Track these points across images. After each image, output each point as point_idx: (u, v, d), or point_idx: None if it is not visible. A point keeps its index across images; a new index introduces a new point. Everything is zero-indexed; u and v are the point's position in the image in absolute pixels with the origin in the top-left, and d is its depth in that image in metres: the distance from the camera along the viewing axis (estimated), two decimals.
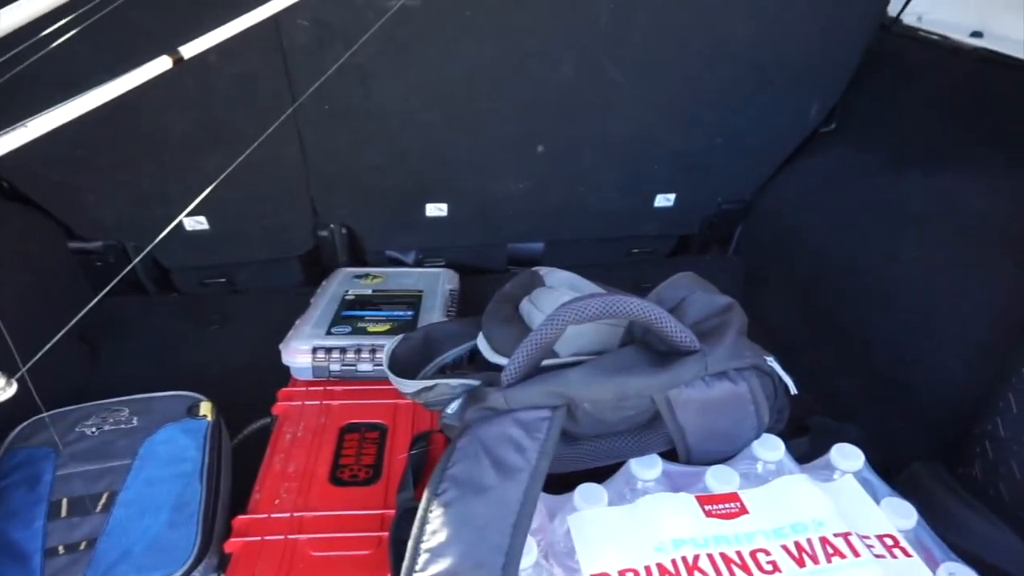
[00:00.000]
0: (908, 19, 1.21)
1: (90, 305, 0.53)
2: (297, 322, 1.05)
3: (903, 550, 0.59)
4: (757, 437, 0.70)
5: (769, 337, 0.76)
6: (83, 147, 1.04)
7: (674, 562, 0.58)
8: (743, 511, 0.63)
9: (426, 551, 0.55)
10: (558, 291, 0.81)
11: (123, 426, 0.85)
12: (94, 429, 0.85)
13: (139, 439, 0.83)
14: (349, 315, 1.07)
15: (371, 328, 1.03)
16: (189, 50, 0.46)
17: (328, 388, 0.96)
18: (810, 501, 0.63)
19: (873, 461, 0.70)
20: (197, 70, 0.99)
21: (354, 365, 0.96)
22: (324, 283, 1.19)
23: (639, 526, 0.61)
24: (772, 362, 0.69)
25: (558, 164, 1.21)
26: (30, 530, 0.73)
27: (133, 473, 0.79)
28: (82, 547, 0.71)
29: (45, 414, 0.85)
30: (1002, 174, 0.96)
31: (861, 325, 1.05)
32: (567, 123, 1.16)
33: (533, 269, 0.92)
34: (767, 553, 0.59)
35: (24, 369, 0.45)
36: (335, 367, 0.96)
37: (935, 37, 1.15)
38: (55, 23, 0.49)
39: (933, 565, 0.59)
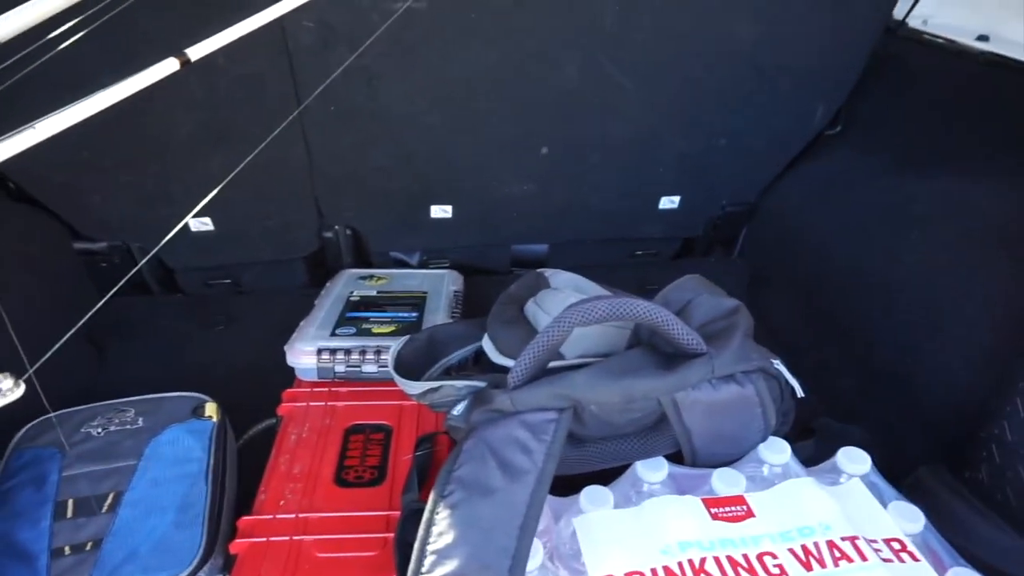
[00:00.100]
0: (914, 22, 1.20)
1: (97, 306, 0.53)
2: (302, 323, 1.05)
3: (911, 554, 0.59)
4: (763, 440, 0.69)
5: (773, 339, 0.76)
6: (89, 148, 1.04)
7: (680, 565, 0.58)
8: (749, 514, 0.63)
9: (432, 552, 0.55)
10: (563, 293, 0.81)
11: (129, 427, 0.86)
12: (100, 430, 0.85)
13: (145, 440, 0.83)
14: (354, 316, 1.07)
15: (376, 329, 1.03)
16: (196, 52, 0.46)
17: (333, 389, 0.96)
18: (817, 504, 0.63)
19: (877, 464, 0.70)
20: (203, 71, 0.99)
21: (359, 366, 0.96)
22: (328, 284, 1.19)
23: (645, 529, 0.61)
24: (779, 365, 0.69)
25: (562, 166, 1.21)
26: (36, 530, 0.73)
27: (139, 474, 0.79)
28: (88, 547, 0.72)
29: (52, 414, 0.85)
30: (1007, 177, 0.96)
31: (865, 327, 1.04)
32: (571, 125, 1.16)
33: (538, 271, 0.91)
34: (774, 556, 0.59)
35: (32, 370, 0.45)
36: (340, 368, 0.96)
37: (941, 40, 1.15)
38: (63, 25, 0.49)
39: (941, 570, 0.58)
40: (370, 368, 0.96)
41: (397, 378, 0.78)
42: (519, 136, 1.16)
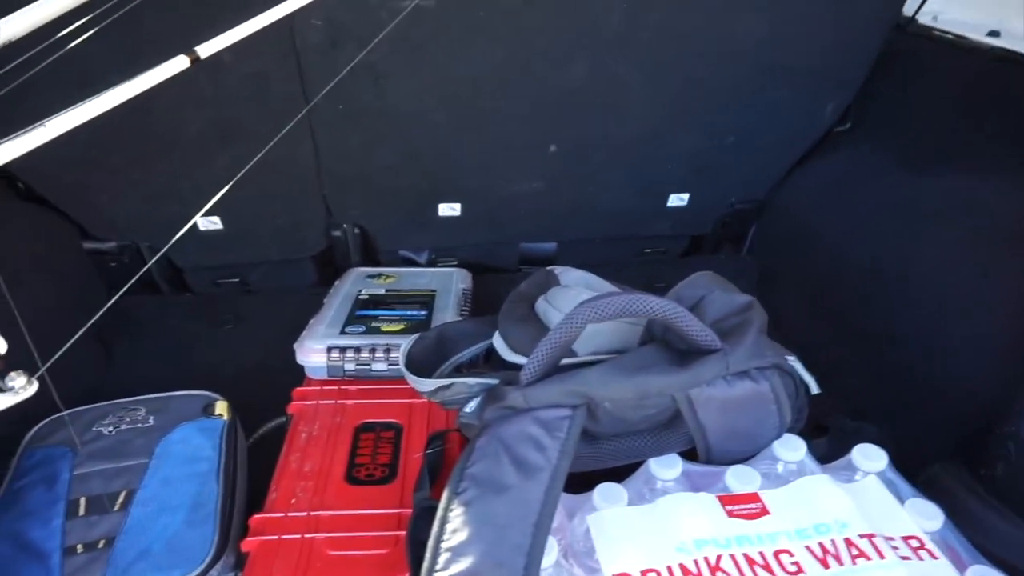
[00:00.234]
0: (923, 18, 1.20)
1: (108, 305, 0.53)
2: (311, 321, 1.05)
3: (929, 552, 0.59)
4: (778, 437, 0.69)
5: (783, 336, 0.76)
6: (97, 147, 1.04)
7: (696, 563, 0.57)
8: (765, 511, 0.62)
9: (447, 550, 0.55)
10: (574, 290, 0.81)
11: (139, 425, 0.86)
12: (111, 428, 0.85)
13: (155, 438, 0.83)
14: (363, 315, 1.07)
15: (385, 327, 1.03)
16: (205, 50, 0.46)
17: (343, 387, 0.96)
18: (833, 502, 0.63)
19: (891, 462, 0.69)
20: (210, 70, 0.99)
21: (368, 364, 0.96)
22: (337, 283, 1.19)
23: (660, 526, 0.60)
24: (794, 361, 0.69)
25: (570, 164, 1.20)
26: (48, 529, 0.73)
27: (150, 472, 0.79)
28: (100, 545, 0.71)
29: (64, 413, 0.85)
30: (1019, 173, 0.95)
31: (876, 324, 1.04)
32: (579, 123, 1.16)
33: (548, 268, 0.91)
34: (790, 554, 0.58)
35: (44, 369, 0.45)
36: (350, 366, 0.96)
37: (951, 36, 1.14)
38: (72, 24, 0.49)
39: (961, 568, 0.58)
40: (380, 366, 0.96)
41: (408, 376, 0.78)
42: (527, 134, 1.16)
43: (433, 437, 0.85)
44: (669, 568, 0.57)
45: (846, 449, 0.70)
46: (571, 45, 1.05)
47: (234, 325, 1.23)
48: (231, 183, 0.56)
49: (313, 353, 0.97)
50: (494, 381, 0.69)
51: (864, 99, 1.23)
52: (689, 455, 0.69)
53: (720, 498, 0.63)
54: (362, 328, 1.03)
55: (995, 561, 0.60)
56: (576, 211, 1.30)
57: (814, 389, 0.70)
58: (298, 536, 0.74)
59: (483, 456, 0.61)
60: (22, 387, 0.42)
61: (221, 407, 0.88)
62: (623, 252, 1.41)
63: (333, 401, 0.93)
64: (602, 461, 0.68)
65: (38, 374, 0.44)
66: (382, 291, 1.15)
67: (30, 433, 0.86)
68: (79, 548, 0.71)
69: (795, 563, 0.57)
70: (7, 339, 0.42)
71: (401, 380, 0.83)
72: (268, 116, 1.02)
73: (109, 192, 1.14)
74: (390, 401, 0.92)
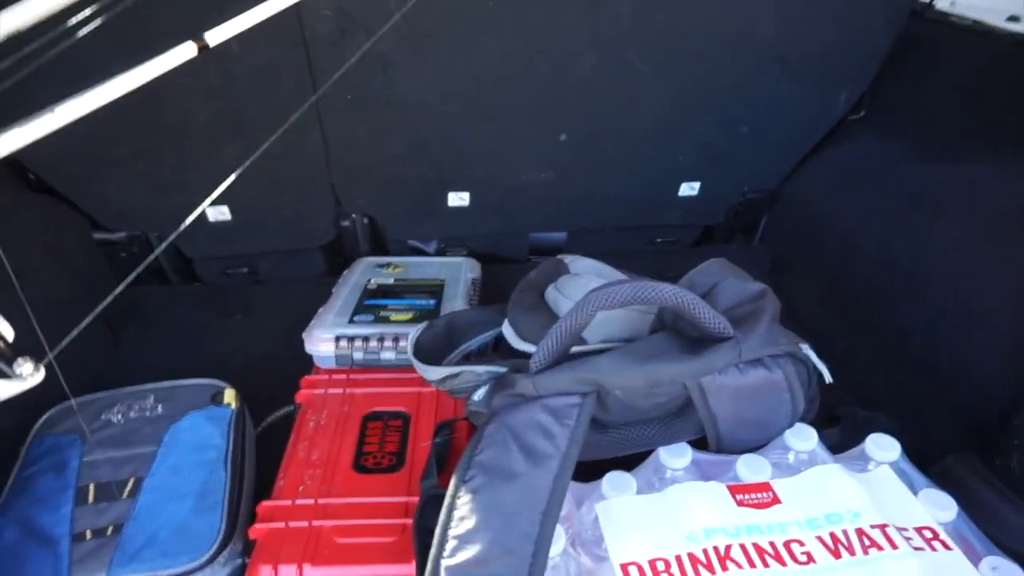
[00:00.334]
0: (941, 4, 1.18)
1: (116, 291, 0.53)
2: (320, 311, 1.05)
3: (943, 543, 0.58)
4: (791, 426, 0.68)
5: (796, 325, 0.75)
6: (106, 139, 1.04)
7: (706, 552, 0.57)
8: (776, 501, 0.62)
9: (454, 537, 0.54)
10: (585, 278, 0.80)
11: (148, 413, 0.86)
12: (119, 416, 0.85)
13: (164, 426, 0.83)
14: (372, 304, 1.07)
15: (394, 317, 1.03)
16: (214, 37, 0.45)
17: (351, 376, 0.95)
18: (845, 492, 0.62)
19: (904, 452, 0.69)
20: (219, 60, 0.99)
21: (377, 353, 0.96)
22: (346, 272, 1.19)
23: (669, 515, 0.60)
24: (807, 350, 0.68)
25: (581, 153, 1.19)
26: (58, 515, 0.74)
27: (158, 460, 0.79)
28: (109, 532, 0.72)
29: (72, 401, 0.85)
30: None
31: (890, 313, 1.02)
32: (590, 112, 1.14)
33: (558, 257, 0.91)
34: (801, 544, 0.58)
35: (52, 355, 0.45)
36: (358, 355, 0.96)
37: (969, 22, 1.12)
38: (80, 12, 0.49)
39: (975, 559, 0.57)
40: (388, 355, 0.96)
41: (416, 364, 0.77)
42: (537, 123, 1.15)
43: (441, 426, 0.84)
44: (678, 557, 0.56)
45: (858, 439, 0.69)
46: (581, 35, 1.04)
47: (243, 315, 1.23)
48: (239, 171, 0.56)
49: (321, 342, 0.97)
50: (503, 369, 0.69)
51: (879, 87, 1.21)
52: (699, 444, 0.68)
53: (730, 487, 0.62)
54: (371, 317, 1.02)
55: (1010, 553, 0.59)
56: (586, 200, 1.29)
57: (828, 378, 0.69)
58: (305, 523, 0.73)
59: (491, 444, 0.61)
60: (29, 374, 0.42)
61: (229, 395, 0.88)
62: (634, 242, 1.40)
63: (341, 390, 0.93)
64: (611, 449, 0.67)
65: (45, 361, 0.44)
66: (391, 281, 1.15)
67: (39, 421, 0.86)
68: (88, 534, 0.72)
69: (806, 553, 0.57)
70: (17, 328, 0.42)
71: (409, 369, 0.83)
72: (277, 106, 1.02)
73: (118, 183, 1.14)
74: (398, 390, 0.92)
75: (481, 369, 0.70)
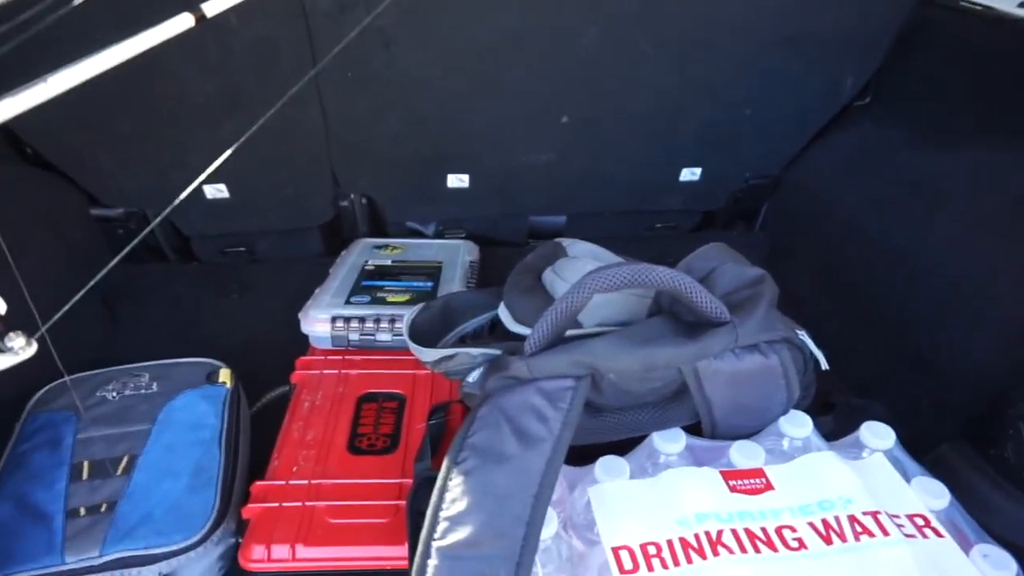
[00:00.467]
0: None
1: (110, 266, 0.52)
2: (316, 291, 1.04)
3: (935, 530, 0.58)
4: (785, 412, 0.68)
5: (794, 312, 0.74)
6: (103, 114, 1.03)
7: (697, 536, 0.57)
8: (768, 487, 0.62)
9: (445, 519, 0.54)
10: (582, 261, 0.79)
11: (143, 391, 0.85)
12: (114, 394, 0.85)
13: (159, 404, 0.83)
14: (368, 285, 1.06)
15: (390, 298, 1.03)
16: (211, 8, 0.44)
17: (347, 357, 0.95)
18: (838, 478, 0.62)
19: (899, 440, 0.68)
20: (218, 34, 0.98)
21: (373, 335, 0.96)
22: (344, 253, 1.19)
23: (661, 500, 0.60)
24: (804, 336, 0.67)
25: (582, 135, 1.18)
26: (52, 492, 0.73)
27: (153, 438, 0.79)
28: (103, 509, 0.72)
29: (66, 378, 0.85)
30: None
31: (889, 302, 1.02)
32: (592, 93, 1.13)
33: (556, 240, 0.90)
34: (793, 530, 0.58)
35: (43, 329, 0.45)
36: (354, 336, 0.96)
37: (979, 7, 1.10)
38: None
39: (966, 546, 0.57)
40: (384, 337, 0.96)
41: (412, 345, 0.77)
42: (538, 104, 1.14)
43: (436, 408, 0.84)
44: (669, 542, 0.56)
45: (853, 426, 0.69)
46: (585, 13, 1.02)
47: (240, 294, 1.23)
48: (236, 144, 0.55)
49: (317, 323, 0.97)
50: (498, 352, 0.69)
51: (885, 73, 1.19)
52: (694, 429, 0.68)
53: (723, 473, 0.62)
54: (367, 298, 1.02)
55: (1001, 541, 0.59)
56: (587, 183, 1.28)
57: (824, 365, 0.69)
58: (299, 504, 0.74)
59: (484, 426, 0.60)
60: (21, 348, 0.41)
61: (224, 375, 0.88)
62: (633, 226, 1.40)
63: (337, 371, 0.93)
64: (605, 434, 0.67)
65: (38, 335, 0.43)
66: (388, 262, 1.14)
67: (34, 397, 0.86)
68: (82, 511, 0.71)
69: (797, 539, 0.57)
70: (12, 303, 0.42)
71: (405, 351, 0.82)
72: (276, 82, 1.01)
73: (116, 159, 1.13)
74: (394, 372, 0.92)
75: (476, 351, 0.70)
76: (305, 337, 0.98)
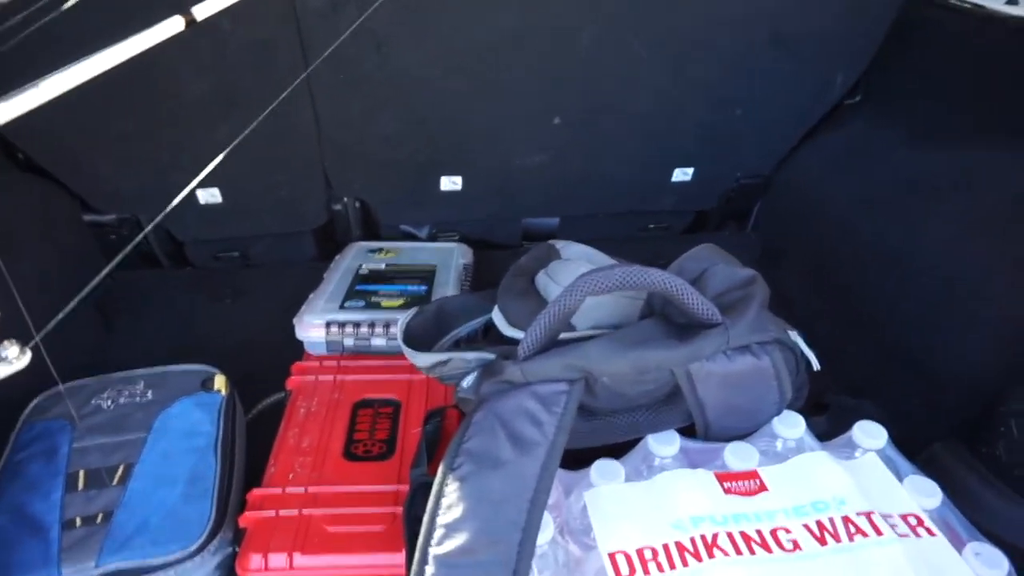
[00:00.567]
0: None
1: (104, 273, 0.52)
2: (311, 296, 1.04)
3: (928, 529, 0.58)
4: (778, 413, 0.68)
5: (785, 312, 0.75)
6: (96, 118, 1.03)
7: (692, 540, 0.57)
8: (763, 488, 0.62)
9: (442, 526, 0.54)
10: (575, 263, 0.80)
11: (138, 399, 0.85)
12: (109, 402, 0.85)
13: (154, 412, 0.83)
14: (363, 289, 1.06)
15: (385, 303, 1.03)
16: (201, 12, 0.45)
17: (342, 363, 0.95)
18: (831, 479, 0.62)
19: (892, 440, 0.69)
20: (210, 36, 0.97)
21: (368, 340, 0.96)
22: (337, 257, 1.18)
23: (657, 503, 0.60)
24: (796, 337, 0.68)
25: (575, 136, 1.19)
26: (48, 502, 0.73)
27: (148, 446, 0.79)
28: (99, 519, 0.71)
29: (61, 387, 0.85)
30: None
31: (882, 302, 1.02)
32: (585, 94, 1.13)
33: (549, 242, 0.90)
34: (788, 531, 0.58)
35: (38, 338, 0.45)
36: (349, 342, 0.96)
37: (968, 5, 1.11)
38: None
39: (959, 545, 0.57)
40: (379, 342, 0.96)
41: (406, 350, 0.77)
42: (532, 105, 1.14)
43: (431, 414, 0.84)
44: (665, 546, 0.56)
45: (845, 426, 0.69)
46: (579, 14, 1.02)
47: (234, 299, 1.23)
48: (228, 148, 0.55)
49: (312, 328, 0.97)
50: (491, 356, 0.69)
51: (876, 70, 1.20)
52: (687, 431, 0.69)
53: (718, 475, 0.62)
54: (362, 303, 1.02)
55: (994, 539, 0.59)
56: (580, 185, 1.28)
57: (816, 365, 0.69)
58: (296, 511, 0.74)
59: (479, 431, 0.61)
60: (15, 357, 0.41)
61: (219, 382, 0.88)
62: (626, 228, 1.40)
63: (332, 377, 0.93)
64: (599, 437, 0.67)
65: (32, 343, 0.43)
66: (382, 266, 1.14)
67: (29, 406, 0.86)
68: (78, 521, 0.71)
69: (792, 540, 0.57)
70: (4, 311, 0.42)
71: (400, 356, 0.82)
72: (270, 85, 1.00)
73: (109, 164, 1.13)
74: (389, 377, 0.92)
75: (470, 355, 0.70)
76: (300, 342, 0.98)
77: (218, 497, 0.75)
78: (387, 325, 0.96)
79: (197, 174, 0.57)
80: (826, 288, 1.14)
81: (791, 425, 0.68)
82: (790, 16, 1.07)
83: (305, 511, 0.74)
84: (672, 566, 0.55)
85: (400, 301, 1.03)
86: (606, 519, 0.59)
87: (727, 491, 0.61)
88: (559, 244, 0.89)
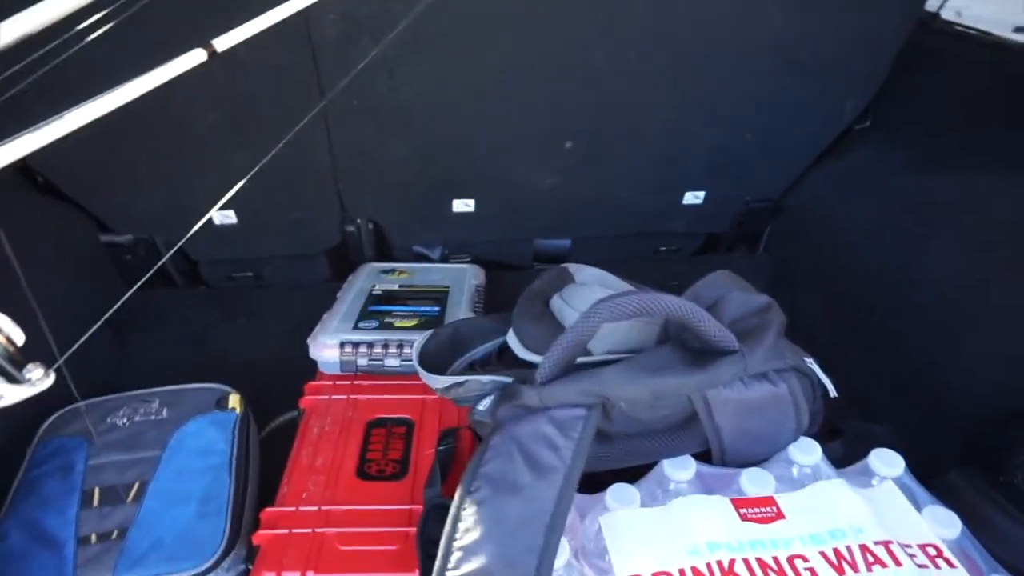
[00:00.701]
0: (947, 14, 1.17)
1: (124, 298, 0.53)
2: (324, 316, 1.05)
3: (947, 560, 0.58)
4: (795, 440, 0.68)
5: (797, 336, 0.75)
6: (113, 142, 1.04)
7: (709, 566, 0.57)
8: (779, 515, 0.62)
9: (459, 549, 0.55)
10: (590, 288, 0.80)
11: (153, 417, 0.86)
12: (125, 420, 0.86)
13: (169, 431, 0.84)
14: (376, 310, 1.07)
15: (398, 323, 1.03)
16: (223, 43, 0.46)
17: (355, 382, 0.96)
18: (849, 507, 0.62)
19: (906, 463, 0.68)
20: (227, 65, 0.99)
21: (381, 360, 0.96)
22: (351, 277, 1.19)
23: (673, 529, 0.60)
24: (812, 363, 0.68)
25: (587, 160, 1.20)
26: (63, 518, 0.74)
27: (163, 464, 0.80)
28: (114, 536, 0.72)
29: (81, 403, 0.86)
30: None
31: (893, 326, 1.02)
32: (596, 118, 1.15)
33: (562, 266, 0.91)
34: (805, 560, 0.58)
35: (61, 360, 0.45)
36: (362, 362, 0.96)
37: (976, 32, 1.12)
38: (88, 19, 0.49)
39: None
40: (392, 362, 0.96)
41: (422, 372, 0.77)
42: (543, 129, 1.15)
43: (445, 434, 0.85)
44: (681, 571, 0.56)
45: (860, 452, 0.69)
46: (590, 39, 1.04)
47: (247, 319, 1.24)
48: (247, 177, 0.56)
49: (326, 348, 0.97)
50: (508, 379, 0.69)
51: (885, 97, 1.21)
52: (702, 456, 0.68)
53: (734, 501, 0.62)
54: (375, 323, 1.03)
55: (1013, 571, 0.59)
56: (592, 207, 1.29)
57: (832, 392, 0.69)
58: (309, 530, 0.74)
59: (497, 455, 0.61)
60: (39, 379, 0.42)
61: (234, 400, 0.88)
62: (637, 249, 1.40)
63: (345, 396, 0.93)
64: (615, 461, 0.67)
65: (55, 366, 0.44)
66: (395, 287, 1.15)
67: (46, 423, 0.86)
68: (93, 538, 0.72)
69: (809, 569, 0.57)
70: (25, 331, 0.43)
71: (413, 376, 0.83)
72: (283, 111, 1.02)
73: (125, 187, 1.15)
74: (402, 397, 0.92)
75: (486, 379, 0.70)
76: (312, 361, 0.98)
77: (232, 515, 0.75)
78: (400, 345, 0.97)
79: (213, 197, 0.58)
80: (837, 311, 1.14)
81: (807, 451, 0.68)
82: (801, 43, 1.08)
83: (318, 530, 0.74)
84: None
85: (413, 322, 1.04)
86: (622, 544, 0.59)
87: (743, 517, 0.61)
88: (572, 267, 0.90)
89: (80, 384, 0.58)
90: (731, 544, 0.59)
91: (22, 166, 1.10)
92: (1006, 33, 1.09)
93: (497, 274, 1.26)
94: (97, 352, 1.08)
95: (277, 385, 0.95)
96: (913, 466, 0.69)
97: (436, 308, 1.08)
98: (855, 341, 1.08)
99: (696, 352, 0.65)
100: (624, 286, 0.84)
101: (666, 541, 0.59)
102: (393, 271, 1.21)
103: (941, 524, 0.61)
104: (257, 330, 1.22)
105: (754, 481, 0.64)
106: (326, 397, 0.93)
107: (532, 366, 0.71)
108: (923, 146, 1.14)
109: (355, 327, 1.02)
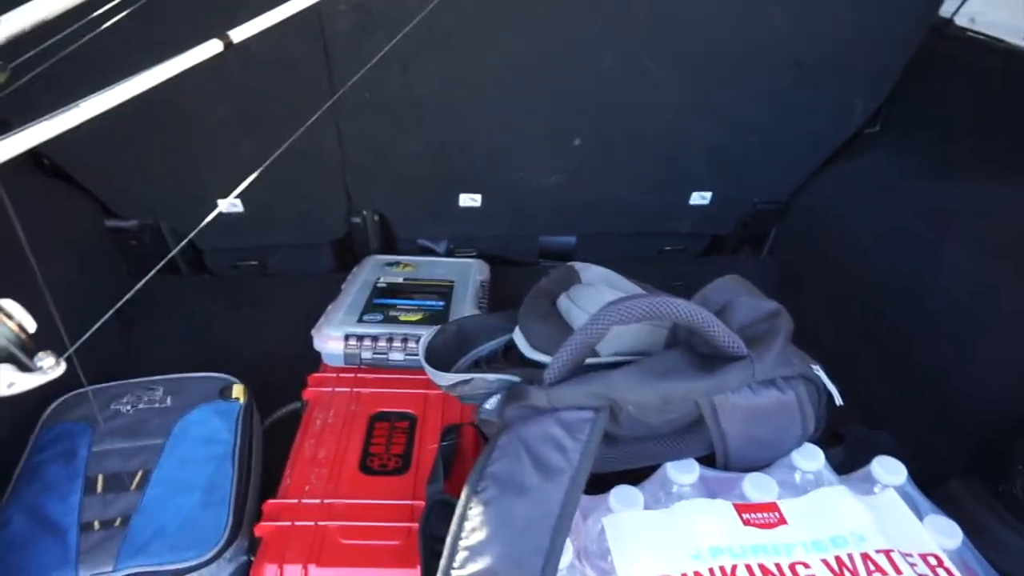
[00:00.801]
0: (961, 20, 1.17)
1: (138, 287, 0.53)
2: (329, 308, 1.05)
3: (947, 571, 0.58)
4: (799, 446, 0.68)
5: (801, 339, 0.75)
6: (124, 129, 1.04)
7: (711, 571, 0.57)
8: (782, 521, 0.62)
9: (465, 549, 0.55)
10: (597, 288, 0.80)
11: (157, 405, 0.86)
12: (129, 407, 0.86)
13: (172, 419, 0.84)
14: (381, 303, 1.07)
15: (403, 317, 1.03)
16: (238, 34, 0.46)
17: (359, 375, 0.96)
18: (851, 515, 0.62)
19: (908, 470, 0.69)
20: (239, 56, 0.99)
21: (386, 354, 0.96)
22: (355, 269, 1.19)
23: (676, 532, 0.60)
24: (818, 371, 0.68)
25: (594, 158, 1.19)
26: (66, 504, 0.74)
27: (166, 452, 0.80)
28: (117, 523, 0.72)
29: (88, 388, 0.86)
30: None
31: (904, 330, 1.02)
32: (604, 117, 1.14)
33: (569, 264, 0.90)
34: (806, 566, 0.58)
35: (72, 349, 0.46)
36: (367, 355, 0.96)
37: (988, 39, 1.12)
38: (105, 5, 0.49)
39: None
40: (397, 356, 0.96)
41: (428, 369, 0.77)
42: (551, 126, 1.15)
43: (448, 430, 0.85)
44: (684, 575, 0.56)
45: (861, 458, 0.69)
46: (599, 38, 1.04)
47: (251, 308, 1.24)
48: (259, 171, 0.56)
49: (331, 340, 0.97)
50: (515, 378, 0.69)
51: (896, 101, 1.20)
52: (705, 460, 0.69)
53: (737, 506, 0.62)
54: (380, 317, 1.03)
55: None
56: (597, 205, 1.29)
57: (838, 400, 0.70)
58: (311, 523, 0.74)
59: (504, 455, 0.61)
60: (50, 367, 0.42)
61: (238, 390, 0.88)
62: (643, 248, 1.40)
63: (349, 389, 0.93)
64: (620, 463, 0.67)
65: (66, 355, 0.44)
66: (400, 280, 1.15)
67: (49, 408, 0.87)
68: (96, 525, 0.72)
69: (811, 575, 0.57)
70: (35, 318, 0.43)
71: (417, 370, 0.83)
72: (294, 102, 1.02)
73: (133, 173, 1.14)
74: (406, 391, 0.93)
75: (493, 377, 0.70)
76: (316, 353, 0.99)
77: (235, 505, 0.76)
78: (405, 339, 0.97)
79: (221, 186, 0.58)
80: (842, 315, 1.15)
81: (810, 457, 0.68)
82: (810, 44, 1.08)
83: (320, 523, 0.74)
84: None
85: (418, 316, 1.04)
86: (625, 547, 0.59)
87: (746, 523, 0.61)
88: (579, 266, 0.90)
89: (85, 370, 0.58)
90: (733, 549, 0.59)
91: (30, 150, 1.09)
92: (1019, 40, 1.08)
93: (502, 269, 1.26)
94: (102, 338, 1.08)
95: (280, 376, 0.95)
96: (921, 471, 0.69)
97: (441, 303, 1.08)
98: (863, 344, 1.08)
99: (704, 357, 0.65)
100: (630, 286, 0.84)
101: (669, 544, 0.59)
102: (398, 264, 1.21)
103: (942, 534, 0.61)
104: (261, 319, 1.22)
105: (757, 486, 0.65)
106: (330, 389, 0.93)
107: (538, 365, 0.71)
108: (935, 151, 1.14)
109: (360, 320, 1.02)
